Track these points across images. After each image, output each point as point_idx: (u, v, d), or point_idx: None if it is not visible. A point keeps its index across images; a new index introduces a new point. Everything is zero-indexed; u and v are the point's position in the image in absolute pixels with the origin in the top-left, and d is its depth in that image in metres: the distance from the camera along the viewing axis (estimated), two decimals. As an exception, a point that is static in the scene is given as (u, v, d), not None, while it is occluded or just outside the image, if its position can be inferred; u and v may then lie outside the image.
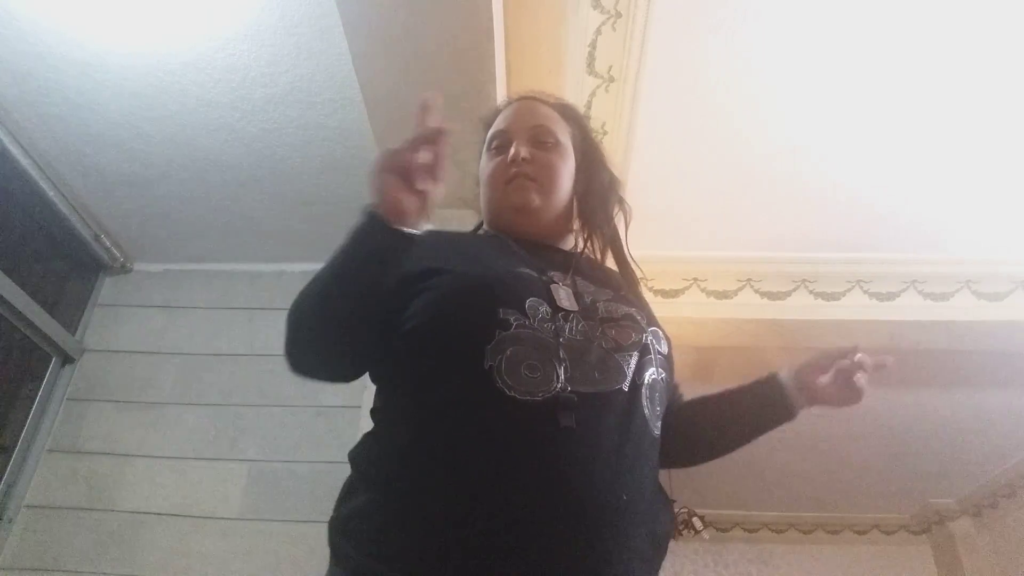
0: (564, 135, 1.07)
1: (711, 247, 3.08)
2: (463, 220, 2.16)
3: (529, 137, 1.04)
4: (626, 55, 2.23)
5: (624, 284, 1.07)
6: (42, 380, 2.55)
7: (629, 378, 0.84)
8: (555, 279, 0.91)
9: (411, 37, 1.65)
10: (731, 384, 1.08)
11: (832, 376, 0.98)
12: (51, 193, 2.44)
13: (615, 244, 1.14)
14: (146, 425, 2.51)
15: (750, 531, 5.70)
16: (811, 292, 3.15)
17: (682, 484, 4.80)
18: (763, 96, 2.40)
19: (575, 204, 1.07)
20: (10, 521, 2.33)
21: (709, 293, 3.17)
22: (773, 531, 5.70)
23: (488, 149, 1.07)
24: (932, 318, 3.11)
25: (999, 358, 3.40)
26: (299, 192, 2.51)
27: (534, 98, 1.11)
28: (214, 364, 2.62)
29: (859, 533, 5.65)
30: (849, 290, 3.14)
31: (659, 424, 0.89)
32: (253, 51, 2.03)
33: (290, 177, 2.45)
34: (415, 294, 0.88)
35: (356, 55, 1.73)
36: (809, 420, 3.76)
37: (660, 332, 0.95)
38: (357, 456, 0.87)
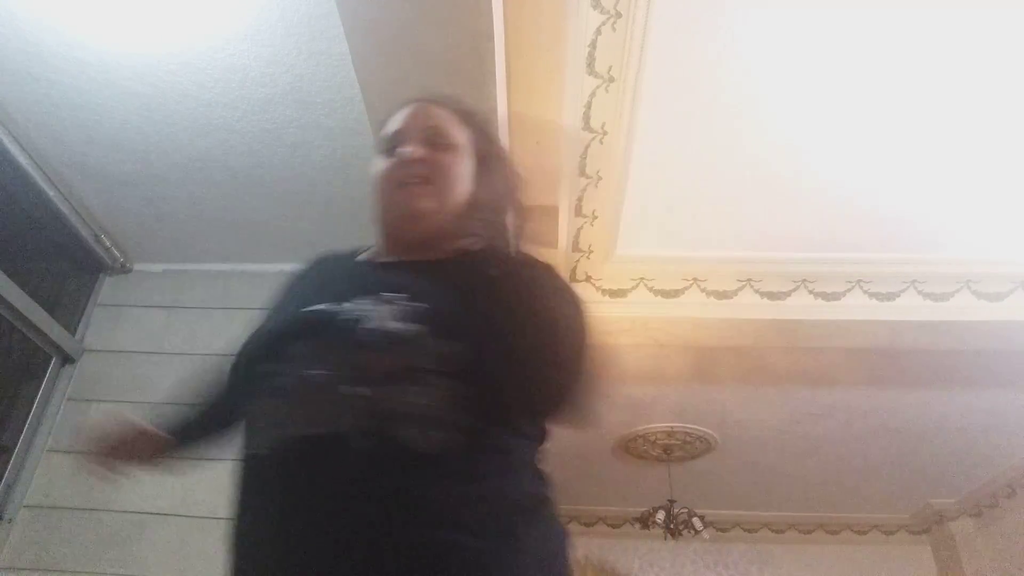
0: (461, 137, 1.02)
1: (711, 247, 3.08)
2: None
3: (423, 138, 0.99)
4: (626, 55, 2.23)
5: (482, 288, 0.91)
6: (42, 380, 2.55)
7: (351, 416, 0.76)
8: (389, 300, 0.83)
9: (411, 37, 1.65)
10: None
11: None
12: (51, 193, 2.44)
13: (502, 250, 1.02)
14: (146, 425, 2.51)
15: (750, 531, 5.71)
16: (811, 292, 3.15)
17: (682, 484, 4.84)
18: (763, 96, 2.40)
19: (470, 209, 1.00)
20: (10, 521, 2.33)
21: (709, 293, 3.18)
22: (773, 531, 5.71)
23: (380, 150, 1.02)
24: (932, 318, 3.11)
25: (999, 358, 3.40)
26: (299, 192, 2.51)
27: (430, 100, 1.07)
28: (214, 364, 2.62)
29: (859, 533, 5.65)
30: (849, 290, 3.14)
31: (434, 439, 0.77)
32: (253, 51, 2.03)
33: (290, 177, 2.45)
34: None
35: (356, 55, 1.73)
36: (810, 421, 3.79)
37: (456, 345, 0.80)
38: None
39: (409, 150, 0.96)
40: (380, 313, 0.82)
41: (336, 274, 1.01)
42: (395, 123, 1.03)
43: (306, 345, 0.81)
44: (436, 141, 0.99)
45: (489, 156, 1.05)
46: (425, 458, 0.75)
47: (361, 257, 1.04)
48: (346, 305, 0.84)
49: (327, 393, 0.77)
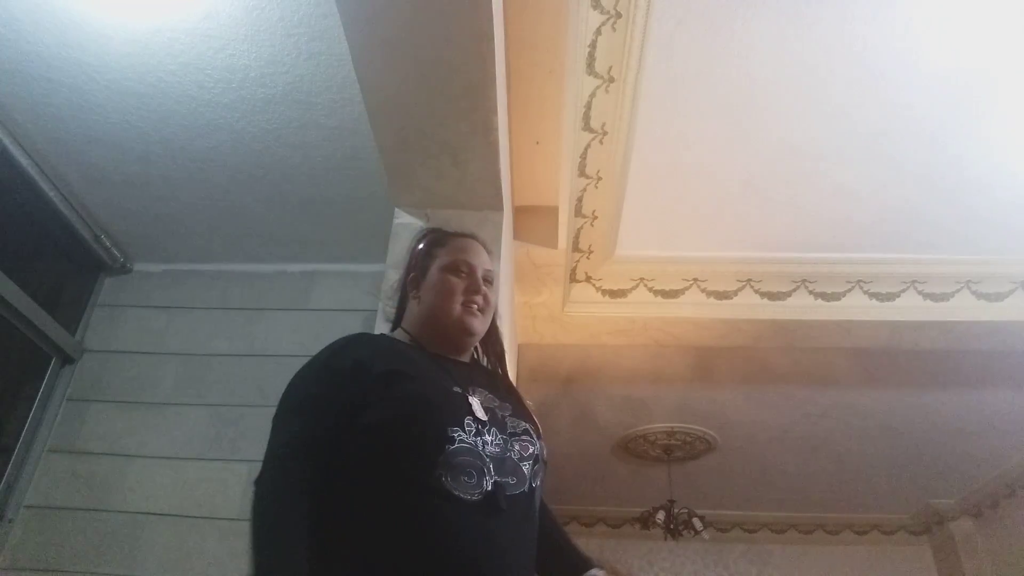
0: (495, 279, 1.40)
1: (711, 247, 3.08)
2: (461, 220, 2.16)
3: (483, 275, 1.35)
4: (626, 55, 2.23)
5: (516, 397, 1.31)
6: (42, 380, 2.54)
7: (528, 482, 1.10)
8: (471, 393, 1.15)
9: (411, 37, 1.65)
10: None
11: None
12: (51, 193, 2.44)
13: (502, 360, 1.43)
14: (146, 425, 2.51)
15: (750, 531, 5.71)
16: (811, 292, 3.15)
17: (682, 484, 4.84)
18: (763, 96, 2.40)
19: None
20: (10, 521, 2.33)
21: (709, 293, 3.18)
22: (773, 531, 5.71)
23: (449, 270, 1.33)
24: (932, 318, 3.12)
25: (999, 358, 3.41)
26: (299, 192, 2.51)
27: (479, 241, 1.42)
28: (214, 364, 2.62)
29: (859, 533, 5.66)
30: (849, 290, 3.14)
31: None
32: (253, 51, 2.03)
33: (290, 177, 2.45)
34: (381, 395, 1.09)
35: (356, 55, 1.73)
36: (809, 420, 3.79)
37: (541, 443, 1.20)
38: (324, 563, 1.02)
39: (478, 285, 1.32)
40: (505, 408, 1.19)
41: (426, 361, 1.23)
42: (462, 253, 1.36)
43: (475, 424, 1.09)
44: (490, 281, 1.36)
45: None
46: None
47: (410, 342, 1.32)
48: (467, 392, 1.15)
49: (517, 464, 1.11)
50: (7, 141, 2.25)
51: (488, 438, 1.08)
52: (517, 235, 2.63)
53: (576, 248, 3.03)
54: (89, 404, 2.57)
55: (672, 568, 5.55)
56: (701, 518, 4.60)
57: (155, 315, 2.77)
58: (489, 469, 1.04)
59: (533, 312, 3.16)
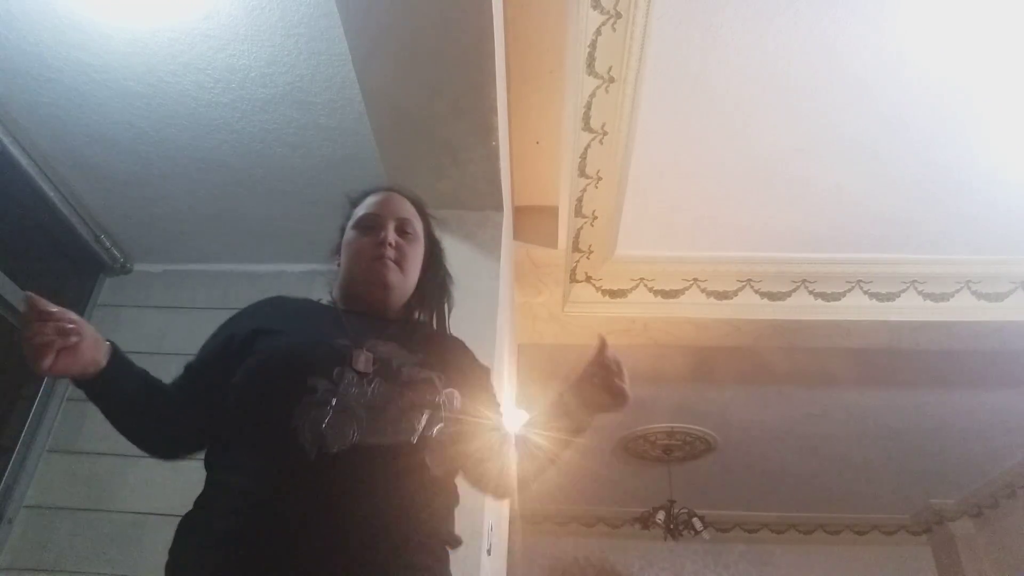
0: (420, 229, 1.29)
1: (711, 247, 3.08)
2: (461, 220, 2.17)
3: (396, 226, 1.24)
4: (626, 55, 2.23)
5: (441, 349, 1.22)
6: (42, 380, 2.55)
7: (419, 432, 1.02)
8: (365, 346, 1.07)
9: (411, 37, 1.65)
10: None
11: (594, 383, 1.06)
12: (51, 193, 2.44)
13: (440, 321, 1.34)
14: (146, 425, 2.51)
15: (750, 531, 5.71)
16: (811, 292, 3.15)
17: (683, 484, 4.83)
18: (763, 96, 2.40)
19: (417, 286, 1.28)
20: (10, 521, 2.33)
21: (709, 293, 3.18)
22: (773, 531, 5.71)
23: (357, 226, 1.26)
24: (932, 318, 3.12)
25: (999, 358, 3.40)
26: (299, 192, 2.51)
27: (399, 192, 1.32)
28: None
29: (859, 533, 5.66)
30: (849, 290, 3.14)
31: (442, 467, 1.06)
32: (253, 51, 2.03)
33: (290, 177, 2.45)
34: (246, 354, 1.09)
35: (356, 55, 1.73)
36: (809, 420, 3.80)
37: (455, 392, 1.10)
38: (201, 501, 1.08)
39: (386, 235, 1.21)
40: (410, 359, 1.09)
41: (321, 316, 1.21)
42: (373, 206, 1.27)
43: (352, 373, 1.03)
44: (406, 231, 1.25)
45: (433, 247, 1.34)
46: (434, 479, 1.03)
47: (326, 303, 1.28)
48: (357, 345, 1.07)
49: (404, 413, 1.02)
50: (7, 141, 2.25)
51: (367, 388, 1.01)
52: (517, 235, 2.63)
53: (576, 248, 3.03)
54: (89, 404, 2.55)
55: (672, 568, 5.55)
56: (701, 518, 4.60)
57: (155, 315, 2.76)
58: (359, 421, 0.98)
59: (533, 312, 3.16)
